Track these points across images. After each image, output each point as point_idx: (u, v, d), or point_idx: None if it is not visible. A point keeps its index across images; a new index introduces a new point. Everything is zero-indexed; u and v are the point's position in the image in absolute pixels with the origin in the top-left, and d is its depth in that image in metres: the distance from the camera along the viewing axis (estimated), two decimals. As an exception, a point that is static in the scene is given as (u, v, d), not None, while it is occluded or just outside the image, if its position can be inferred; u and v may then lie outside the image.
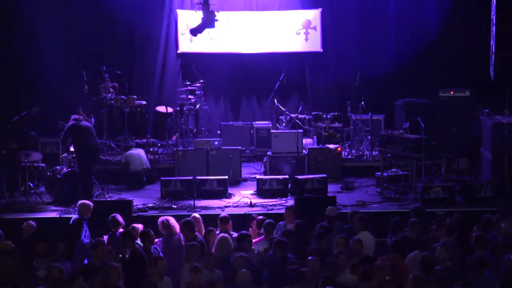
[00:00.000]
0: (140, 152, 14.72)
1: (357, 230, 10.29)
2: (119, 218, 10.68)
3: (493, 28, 14.77)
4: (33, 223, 10.79)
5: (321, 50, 17.37)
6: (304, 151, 15.02)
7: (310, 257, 9.03)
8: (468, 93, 15.36)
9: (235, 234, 10.39)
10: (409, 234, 9.94)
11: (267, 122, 16.56)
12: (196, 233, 10.30)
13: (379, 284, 8.29)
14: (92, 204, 11.17)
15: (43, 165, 14.11)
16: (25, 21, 16.73)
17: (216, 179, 13.71)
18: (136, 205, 12.70)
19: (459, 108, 15.22)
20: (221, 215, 10.88)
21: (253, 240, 10.40)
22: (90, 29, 17.17)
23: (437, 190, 12.86)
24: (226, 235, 10.11)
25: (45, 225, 11.92)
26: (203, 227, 10.86)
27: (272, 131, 15.73)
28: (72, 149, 13.93)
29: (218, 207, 12.79)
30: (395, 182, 13.84)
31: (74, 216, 11.25)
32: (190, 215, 11.20)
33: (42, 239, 9.82)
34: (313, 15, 17.33)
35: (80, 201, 11.28)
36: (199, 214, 11.39)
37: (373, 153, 15.61)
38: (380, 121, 16.26)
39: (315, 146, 15.37)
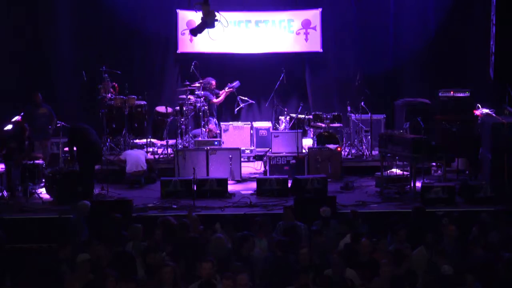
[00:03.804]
0: (140, 153, 14.68)
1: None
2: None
3: (493, 28, 14.78)
4: None
5: (321, 50, 17.39)
6: (304, 151, 15.02)
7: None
8: (468, 93, 15.35)
9: None
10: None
11: (267, 122, 16.56)
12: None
13: None
14: (89, 203, 11.18)
15: (43, 164, 14.08)
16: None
17: (216, 179, 13.70)
18: (136, 205, 12.69)
19: (459, 108, 15.21)
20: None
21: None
22: (89, 29, 17.19)
23: (437, 190, 12.81)
24: (221, 235, 10.05)
25: (45, 225, 11.96)
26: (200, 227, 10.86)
27: (272, 131, 15.75)
28: (66, 148, 14.02)
29: (218, 207, 12.77)
30: (395, 182, 13.83)
31: (72, 216, 11.25)
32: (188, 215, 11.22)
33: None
34: (313, 15, 17.34)
35: (79, 201, 11.29)
36: (199, 214, 11.40)
37: (373, 153, 15.62)
38: (380, 121, 16.28)
39: (315, 146, 15.37)
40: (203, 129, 16.01)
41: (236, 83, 16.56)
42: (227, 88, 16.57)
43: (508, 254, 9.15)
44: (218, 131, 16.15)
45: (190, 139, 15.81)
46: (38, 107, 14.47)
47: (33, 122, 14.31)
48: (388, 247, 9.68)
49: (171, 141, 15.94)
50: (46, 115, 14.51)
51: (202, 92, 16.24)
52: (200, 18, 14.20)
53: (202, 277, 8.67)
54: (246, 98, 16.50)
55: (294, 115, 16.24)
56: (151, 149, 16.00)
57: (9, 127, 14.35)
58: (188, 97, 16.07)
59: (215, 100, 16.45)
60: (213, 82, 16.54)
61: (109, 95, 16.08)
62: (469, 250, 9.52)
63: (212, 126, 16.14)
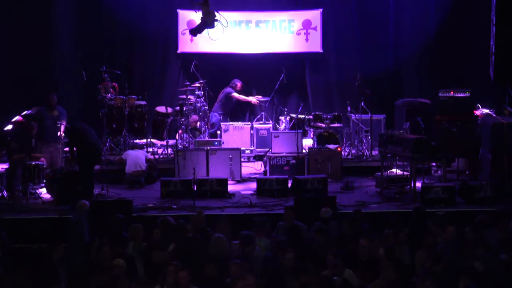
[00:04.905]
0: (140, 153, 14.69)
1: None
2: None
3: (493, 28, 14.77)
4: None
5: (321, 50, 17.40)
6: (304, 151, 15.02)
7: None
8: (468, 93, 15.35)
9: None
10: None
11: (267, 122, 16.57)
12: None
13: None
14: (88, 203, 11.20)
15: (43, 164, 14.08)
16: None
17: (216, 179, 13.70)
18: (136, 205, 12.69)
19: (459, 108, 15.21)
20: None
21: None
22: (90, 29, 17.20)
23: (437, 190, 12.80)
24: (221, 235, 10.04)
25: (45, 225, 11.97)
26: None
27: (272, 131, 15.75)
28: (66, 149, 14.02)
29: (218, 207, 12.77)
30: (395, 182, 13.83)
31: (72, 216, 11.24)
32: (189, 215, 11.22)
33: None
34: (313, 15, 17.35)
35: (79, 201, 11.30)
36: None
37: (373, 153, 15.62)
38: (380, 121, 16.28)
39: (315, 146, 15.37)
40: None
41: (266, 99, 16.69)
42: (256, 98, 16.66)
43: (505, 255, 9.14)
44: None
45: (190, 139, 15.81)
46: (52, 109, 14.40)
47: (42, 123, 14.29)
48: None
49: (171, 141, 15.95)
50: (56, 118, 14.42)
51: (227, 88, 16.48)
52: (200, 18, 14.21)
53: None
54: (269, 118, 16.58)
55: (294, 115, 16.24)
56: (151, 149, 16.00)
57: (9, 127, 14.36)
58: (188, 97, 16.08)
59: (236, 95, 16.53)
60: (239, 84, 16.71)
61: (109, 95, 16.07)
62: (467, 251, 9.51)
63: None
